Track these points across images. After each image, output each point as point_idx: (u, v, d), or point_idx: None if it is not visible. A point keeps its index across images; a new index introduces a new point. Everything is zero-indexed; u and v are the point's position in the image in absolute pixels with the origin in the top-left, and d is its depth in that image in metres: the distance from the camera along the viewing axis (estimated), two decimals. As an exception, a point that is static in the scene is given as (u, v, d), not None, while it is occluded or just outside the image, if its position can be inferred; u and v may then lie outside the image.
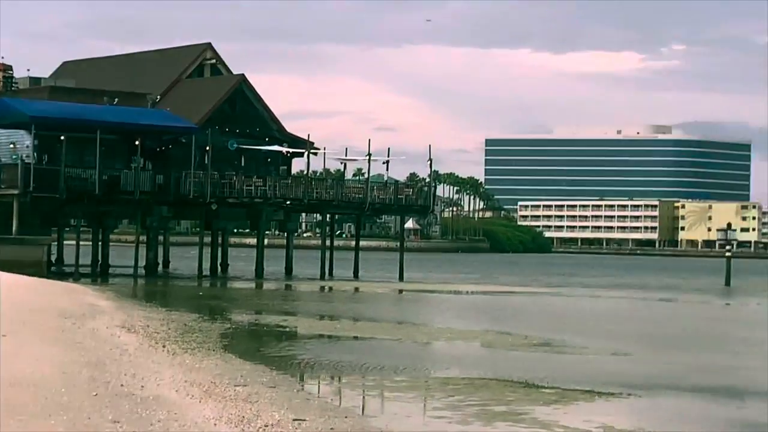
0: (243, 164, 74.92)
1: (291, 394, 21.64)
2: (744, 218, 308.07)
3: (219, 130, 73.08)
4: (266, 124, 76.97)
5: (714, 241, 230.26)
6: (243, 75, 78.68)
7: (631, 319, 50.11)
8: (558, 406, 21.53)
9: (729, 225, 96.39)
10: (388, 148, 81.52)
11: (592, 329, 41.76)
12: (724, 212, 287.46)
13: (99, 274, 71.17)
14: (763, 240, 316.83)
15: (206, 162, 71.02)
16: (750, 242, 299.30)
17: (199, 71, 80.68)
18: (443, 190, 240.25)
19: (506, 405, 21.36)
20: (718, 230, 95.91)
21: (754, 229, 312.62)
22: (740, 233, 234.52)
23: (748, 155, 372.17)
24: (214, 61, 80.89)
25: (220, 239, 79.90)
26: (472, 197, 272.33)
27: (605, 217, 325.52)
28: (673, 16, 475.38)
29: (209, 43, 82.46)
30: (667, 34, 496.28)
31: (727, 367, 30.24)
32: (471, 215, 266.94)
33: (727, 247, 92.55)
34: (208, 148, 71.10)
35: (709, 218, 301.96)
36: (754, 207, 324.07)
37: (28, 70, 78.79)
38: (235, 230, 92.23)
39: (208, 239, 78.32)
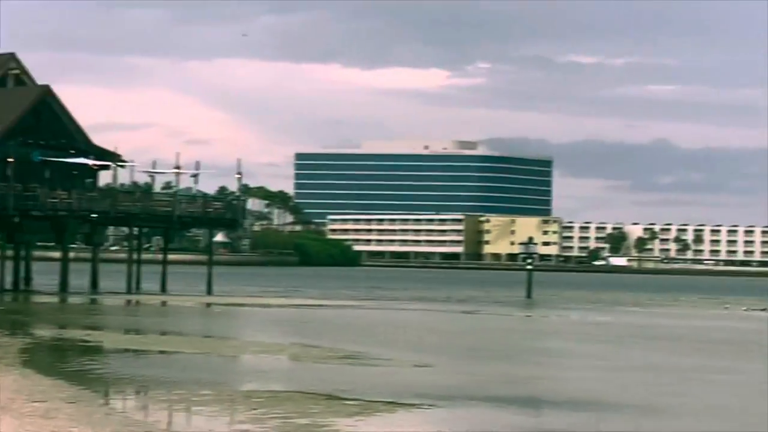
0: (48, 176, 73.41)
1: (91, 409, 21.44)
2: (545, 232, 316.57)
3: (22, 142, 71.49)
4: (72, 136, 75.61)
5: (517, 255, 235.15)
6: (48, 86, 77.14)
7: (435, 331, 51.01)
8: (360, 418, 21.90)
9: (530, 239, 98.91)
10: (197, 162, 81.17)
11: (396, 341, 42.40)
12: (527, 226, 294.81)
13: None
14: (564, 253, 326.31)
15: (8, 174, 69.34)
16: (551, 255, 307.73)
17: (2, 82, 78.69)
18: (253, 204, 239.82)
19: (309, 417, 21.62)
20: (520, 244, 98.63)
21: (555, 243, 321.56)
22: (541, 247, 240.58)
23: (549, 171, 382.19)
24: (18, 71, 78.94)
25: (23, 252, 78.10)
26: (282, 211, 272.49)
27: (413, 230, 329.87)
28: (478, 35, 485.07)
29: (13, 54, 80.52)
30: (473, 52, 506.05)
31: (527, 377, 31.10)
32: (281, 229, 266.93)
33: (528, 260, 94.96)
34: (10, 159, 69.45)
35: (512, 232, 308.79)
36: (554, 221, 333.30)
37: None
38: (40, 243, 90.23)
39: (10, 252, 76.41)
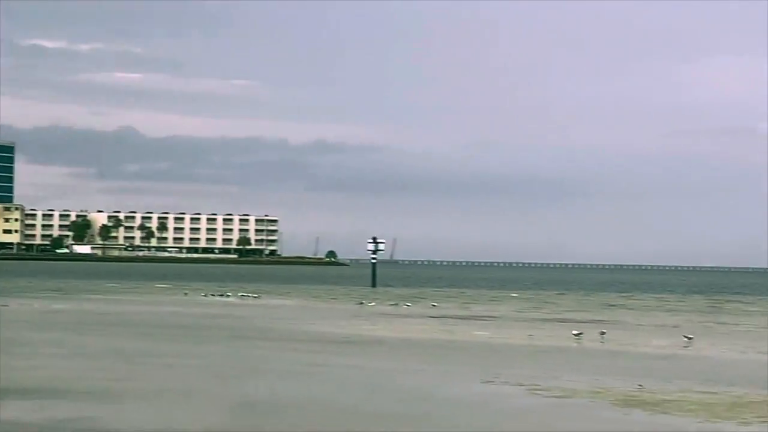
0: None
1: None
2: (7, 220, 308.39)
3: None
4: None
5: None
6: None
7: None
8: None
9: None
10: None
11: None
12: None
13: None
14: (26, 242, 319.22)
15: None
16: (13, 244, 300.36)
17: None
18: None
19: None
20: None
21: (17, 231, 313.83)
22: (3, 235, 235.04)
23: (12, 157, 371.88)
24: None
25: None
26: None
27: None
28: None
29: None
30: None
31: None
32: None
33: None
34: None
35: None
36: (17, 209, 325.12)
37: None
38: None
39: None
